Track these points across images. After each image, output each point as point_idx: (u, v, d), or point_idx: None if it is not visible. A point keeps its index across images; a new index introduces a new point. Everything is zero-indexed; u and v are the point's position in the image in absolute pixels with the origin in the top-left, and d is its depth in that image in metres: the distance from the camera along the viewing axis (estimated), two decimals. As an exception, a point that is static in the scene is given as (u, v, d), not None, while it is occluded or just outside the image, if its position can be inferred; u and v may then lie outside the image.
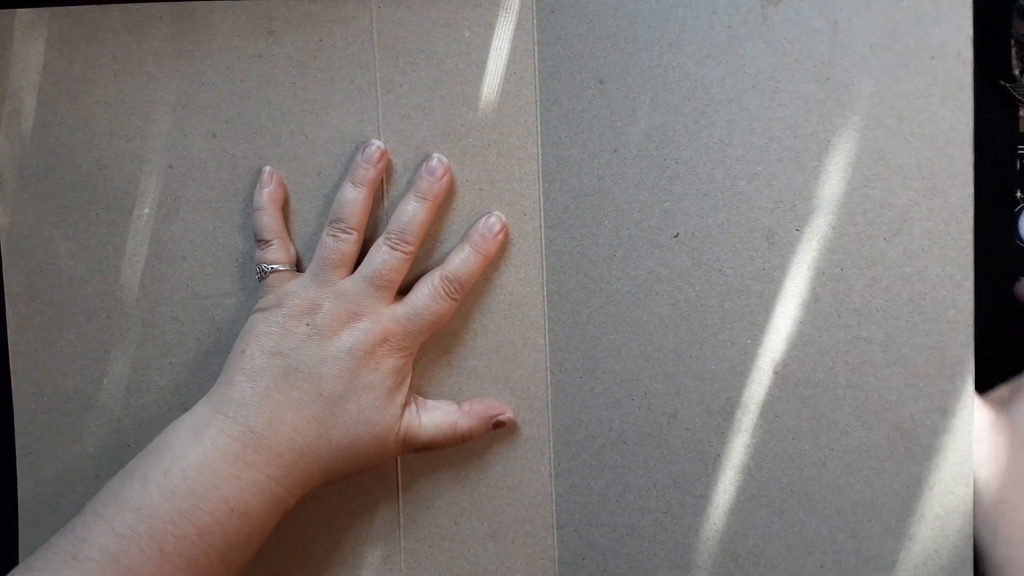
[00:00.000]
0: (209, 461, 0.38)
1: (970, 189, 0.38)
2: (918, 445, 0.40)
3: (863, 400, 0.40)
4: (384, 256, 0.42)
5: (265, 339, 0.40)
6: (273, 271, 0.42)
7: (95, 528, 0.36)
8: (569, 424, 0.44)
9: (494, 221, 0.43)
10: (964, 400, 0.39)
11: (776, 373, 0.41)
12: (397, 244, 0.42)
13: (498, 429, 0.44)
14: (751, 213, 0.41)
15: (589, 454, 0.44)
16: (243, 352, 0.40)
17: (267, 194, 0.43)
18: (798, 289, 0.41)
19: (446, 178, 0.43)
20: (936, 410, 0.40)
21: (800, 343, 0.41)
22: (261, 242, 0.43)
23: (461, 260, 0.43)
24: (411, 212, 0.42)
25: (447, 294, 0.42)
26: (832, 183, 0.40)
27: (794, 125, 0.41)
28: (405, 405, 0.42)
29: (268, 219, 0.43)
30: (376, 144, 0.43)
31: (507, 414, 0.44)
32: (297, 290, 0.41)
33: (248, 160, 0.44)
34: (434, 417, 0.43)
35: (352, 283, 0.42)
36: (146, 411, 0.45)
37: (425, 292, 0.42)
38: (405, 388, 0.42)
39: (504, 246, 0.44)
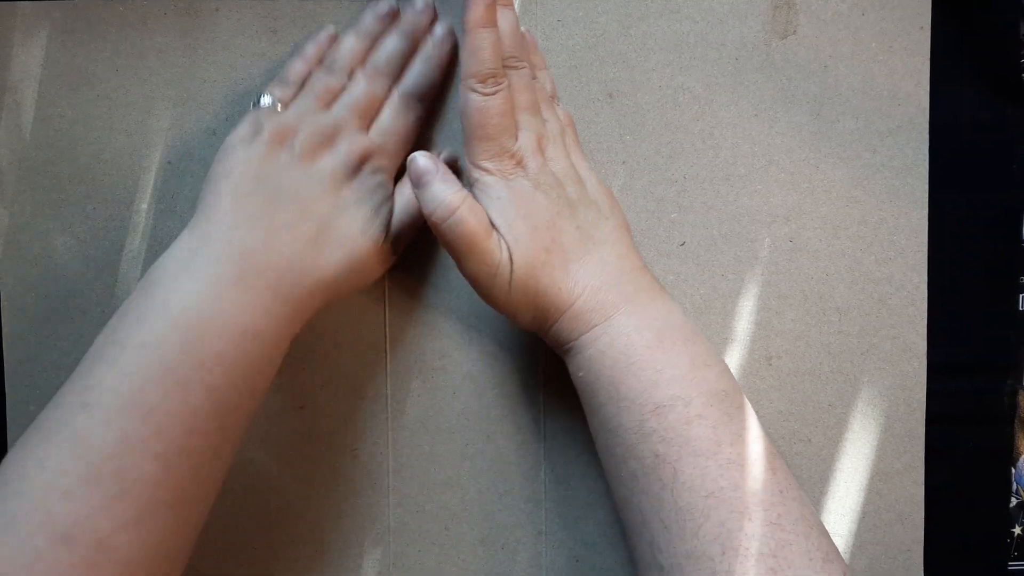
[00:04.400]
0: (207, 288, 0.35)
1: (925, 211, 0.45)
2: (883, 415, 0.45)
3: (841, 383, 0.45)
4: (363, 87, 0.42)
5: (249, 165, 0.39)
6: (272, 103, 0.41)
7: (99, 373, 0.34)
8: (565, 427, 0.45)
9: (439, 29, 0.43)
10: (918, 377, 0.45)
11: (771, 364, 0.45)
12: (375, 75, 0.42)
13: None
14: (751, 225, 0.45)
15: (586, 457, 0.45)
16: (228, 176, 0.38)
17: (316, 49, 0.43)
18: (790, 291, 0.45)
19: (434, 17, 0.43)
20: (897, 386, 0.45)
21: (791, 338, 0.45)
22: (282, 81, 0.42)
23: (416, 73, 0.43)
24: (392, 46, 0.42)
25: (409, 108, 0.43)
26: (820, 202, 0.45)
27: (790, 151, 0.45)
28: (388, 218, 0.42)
29: (303, 67, 0.43)
30: (388, 2, 0.43)
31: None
32: (273, 116, 0.40)
33: (248, 159, 0.44)
34: (398, 215, 0.43)
35: (330, 110, 0.42)
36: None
37: (389, 112, 0.42)
38: (390, 203, 0.42)
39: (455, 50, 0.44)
